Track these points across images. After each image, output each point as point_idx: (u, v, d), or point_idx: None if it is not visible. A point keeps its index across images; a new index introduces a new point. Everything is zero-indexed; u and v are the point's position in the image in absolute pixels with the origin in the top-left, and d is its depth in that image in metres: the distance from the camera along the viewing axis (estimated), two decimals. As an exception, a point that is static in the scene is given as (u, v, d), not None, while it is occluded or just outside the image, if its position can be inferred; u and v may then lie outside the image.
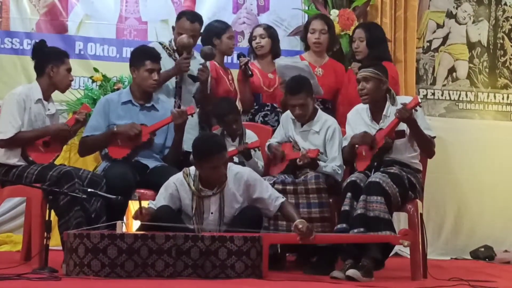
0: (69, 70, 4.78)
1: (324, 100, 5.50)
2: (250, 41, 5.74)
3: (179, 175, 4.38)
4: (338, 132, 4.82)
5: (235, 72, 5.73)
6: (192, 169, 4.38)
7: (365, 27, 5.61)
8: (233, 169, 4.40)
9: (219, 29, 5.57)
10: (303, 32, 5.78)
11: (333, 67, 5.66)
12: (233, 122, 5.04)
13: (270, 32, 5.66)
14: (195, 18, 5.27)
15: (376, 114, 4.64)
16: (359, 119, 4.70)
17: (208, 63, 5.20)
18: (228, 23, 5.77)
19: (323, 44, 5.61)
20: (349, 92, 5.42)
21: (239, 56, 5.52)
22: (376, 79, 4.55)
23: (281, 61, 5.37)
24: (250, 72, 5.42)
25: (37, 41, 4.96)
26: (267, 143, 5.01)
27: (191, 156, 4.58)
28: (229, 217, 4.34)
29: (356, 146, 4.63)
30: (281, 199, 4.38)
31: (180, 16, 5.30)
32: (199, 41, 5.36)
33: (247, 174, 4.40)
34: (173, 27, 5.34)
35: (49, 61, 4.72)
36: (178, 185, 4.34)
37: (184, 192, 4.34)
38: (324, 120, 4.89)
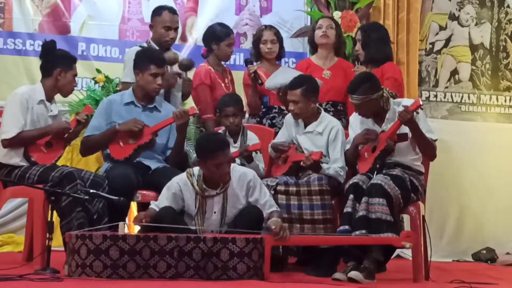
0: (75, 76, 4.78)
1: (335, 102, 5.50)
2: (256, 43, 5.63)
3: (183, 176, 4.40)
4: (341, 133, 4.81)
5: (235, 74, 5.72)
6: (196, 169, 4.39)
7: (363, 28, 5.56)
8: (238, 169, 4.42)
9: (219, 35, 5.47)
10: (310, 34, 5.76)
11: (343, 68, 5.63)
12: (233, 114, 5.01)
13: (279, 36, 5.63)
14: (175, 10, 5.34)
15: (378, 117, 4.63)
16: (361, 122, 4.69)
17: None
18: (231, 28, 5.69)
19: (330, 37, 5.59)
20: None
21: (246, 63, 5.49)
22: (367, 101, 4.53)
23: (269, 81, 5.28)
24: (260, 81, 5.38)
25: (47, 40, 4.93)
26: (271, 143, 4.99)
27: (193, 156, 4.59)
28: (231, 217, 4.36)
29: (360, 147, 4.63)
30: (275, 207, 4.39)
31: (159, 11, 5.29)
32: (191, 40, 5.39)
33: (251, 175, 4.42)
34: (150, 26, 5.33)
35: (58, 64, 4.70)
36: (181, 185, 4.35)
37: (187, 192, 4.35)
38: (327, 121, 4.88)
